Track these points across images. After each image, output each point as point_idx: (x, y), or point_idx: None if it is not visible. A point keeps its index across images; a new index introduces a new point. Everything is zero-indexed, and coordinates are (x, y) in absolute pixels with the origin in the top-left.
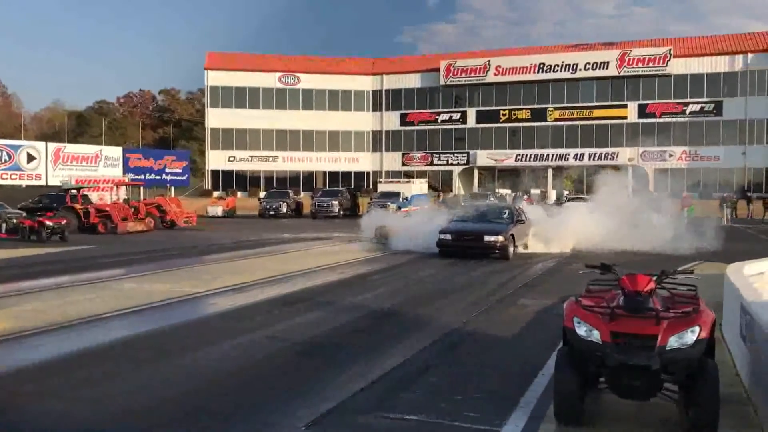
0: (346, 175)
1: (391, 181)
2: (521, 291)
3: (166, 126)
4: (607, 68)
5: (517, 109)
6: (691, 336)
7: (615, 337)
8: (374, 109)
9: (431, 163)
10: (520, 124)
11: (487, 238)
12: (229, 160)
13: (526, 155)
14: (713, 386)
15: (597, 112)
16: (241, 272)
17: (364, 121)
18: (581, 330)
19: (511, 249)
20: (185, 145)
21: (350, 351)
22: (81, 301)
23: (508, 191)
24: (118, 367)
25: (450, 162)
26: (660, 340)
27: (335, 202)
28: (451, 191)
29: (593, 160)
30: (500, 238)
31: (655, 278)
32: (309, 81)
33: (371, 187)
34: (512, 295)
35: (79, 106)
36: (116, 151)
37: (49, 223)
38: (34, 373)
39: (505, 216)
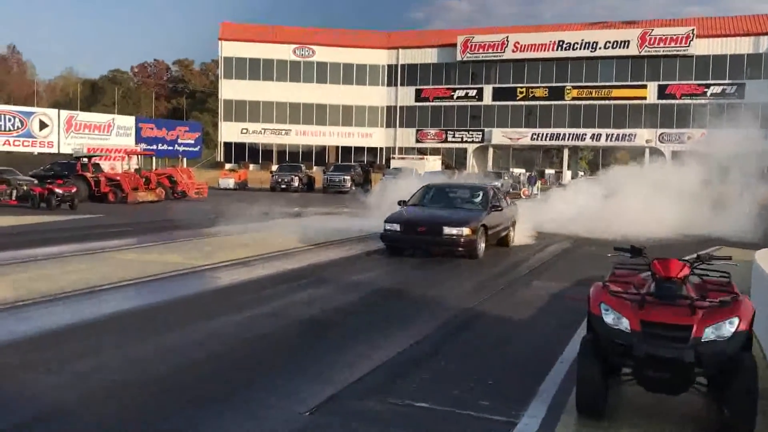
0: (359, 150)
1: (404, 158)
2: (534, 273)
3: (179, 97)
4: (627, 47)
5: (535, 87)
6: (728, 328)
7: (645, 327)
8: (389, 84)
9: (445, 140)
10: (537, 103)
11: (447, 230)
12: (242, 133)
13: (542, 134)
14: (751, 382)
15: (616, 92)
16: (246, 246)
17: (378, 95)
18: (608, 317)
19: (480, 245)
20: (198, 116)
21: (355, 331)
22: (79, 270)
23: (523, 170)
24: (110, 341)
25: (464, 139)
26: (695, 331)
27: (347, 177)
28: (465, 169)
29: (610, 140)
30: (465, 231)
31: (689, 263)
32: (324, 54)
33: (384, 162)
34: (525, 277)
35: (92, 75)
36: (129, 121)
37: (58, 190)
38: (23, 345)
39: (477, 200)
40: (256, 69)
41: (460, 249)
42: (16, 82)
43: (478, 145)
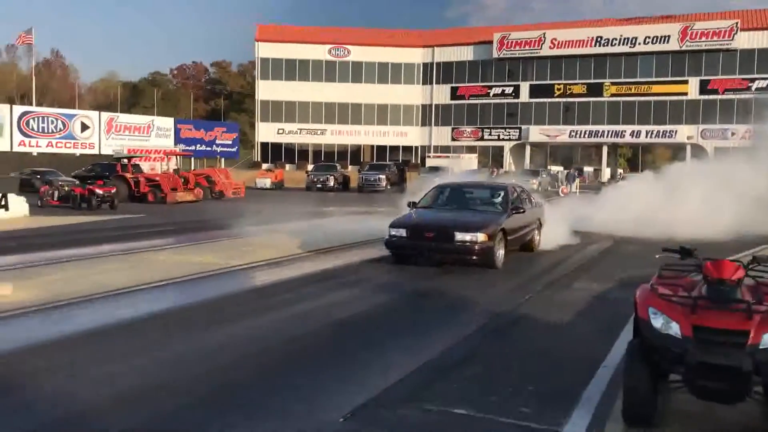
0: (394, 149)
1: (440, 156)
2: (575, 274)
3: (217, 98)
4: (667, 42)
5: (573, 84)
6: None
7: (698, 332)
8: (424, 82)
9: (482, 138)
10: (575, 99)
11: (459, 235)
12: (278, 133)
13: (581, 131)
14: None
15: (656, 88)
16: (281, 245)
17: (413, 94)
18: (657, 322)
19: (499, 252)
20: (236, 117)
21: (390, 333)
22: (114, 270)
23: (561, 168)
24: (140, 343)
25: (501, 137)
26: (752, 338)
27: (382, 177)
28: (502, 167)
29: (650, 137)
30: (480, 236)
31: (744, 265)
32: (359, 53)
33: (419, 161)
34: (565, 278)
35: (133, 78)
36: (168, 122)
37: (98, 191)
38: (49, 348)
39: (496, 201)
40: (291, 69)
41: (475, 257)
42: (60, 85)
43: (515, 142)
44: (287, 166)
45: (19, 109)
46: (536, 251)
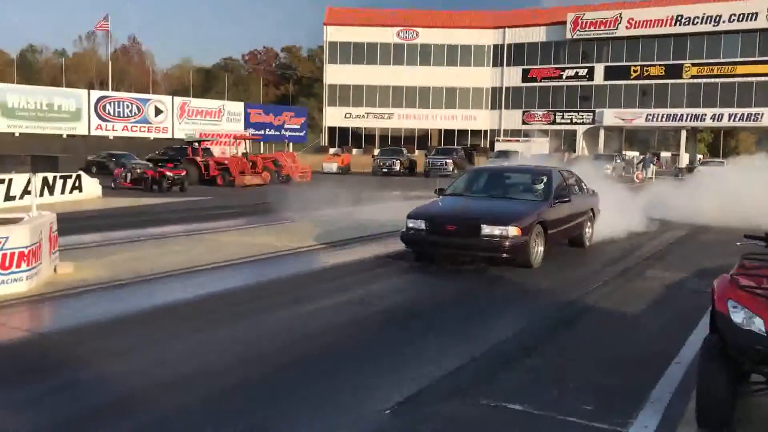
0: (463, 133)
1: (510, 140)
2: (647, 262)
3: (287, 83)
4: (755, 20)
5: (650, 65)
6: None
7: None
8: (495, 65)
9: (553, 122)
10: (653, 82)
11: (487, 229)
12: (345, 117)
13: (658, 115)
14: None
15: (741, 69)
16: (341, 229)
17: (483, 77)
18: (738, 316)
19: (536, 250)
20: (305, 102)
21: (443, 322)
22: (177, 252)
23: (636, 153)
24: (192, 325)
25: (574, 121)
26: None
27: (449, 161)
28: (574, 152)
29: (733, 121)
30: (512, 230)
31: None
32: (428, 36)
33: (488, 146)
34: (638, 267)
35: (206, 64)
36: (238, 107)
37: (169, 174)
38: (103, 327)
39: (538, 188)
40: (360, 53)
41: (505, 255)
42: (137, 71)
43: (588, 126)
44: (354, 151)
45: (96, 93)
46: (587, 246)
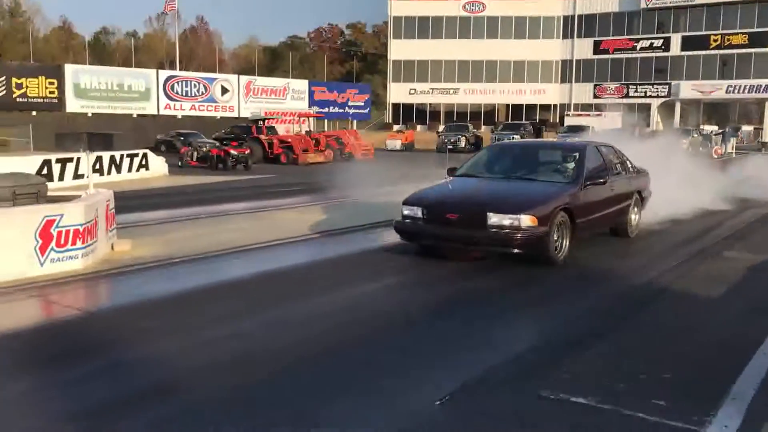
0: (531, 108)
1: (580, 114)
2: (726, 242)
3: (352, 61)
4: None
5: (732, 34)
6: None
7: None
8: (564, 37)
9: (626, 95)
10: (734, 51)
11: (494, 218)
12: (409, 93)
13: (740, 86)
14: None
15: None
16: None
17: (552, 49)
18: None
19: (559, 243)
20: (369, 79)
21: (500, 307)
22: (237, 229)
23: (715, 128)
24: (240, 305)
25: (648, 94)
26: None
27: (516, 136)
28: (649, 126)
29: None
30: (525, 219)
31: None
32: (494, 7)
33: (558, 120)
34: (715, 246)
35: (272, 42)
36: (303, 85)
37: (233, 152)
38: (158, 306)
39: (568, 166)
40: (425, 27)
41: (516, 249)
42: (205, 51)
43: (663, 99)
44: (418, 127)
45: (164, 73)
46: (632, 236)
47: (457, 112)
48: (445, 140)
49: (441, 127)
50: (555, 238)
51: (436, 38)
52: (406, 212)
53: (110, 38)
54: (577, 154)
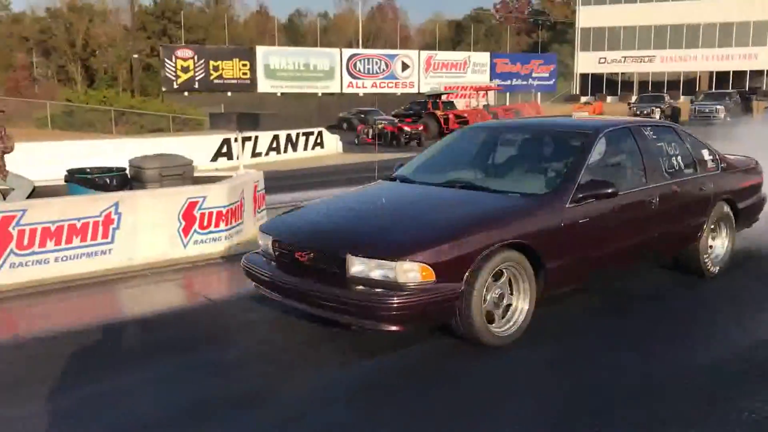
0: (739, 75)
1: None
2: None
3: (539, 31)
4: None
5: None
6: None
7: None
8: None
9: None
10: None
11: (357, 264)
12: (599, 62)
13: None
14: None
15: None
16: None
17: (765, 7)
18: None
19: (518, 307)
20: (557, 48)
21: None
22: None
23: None
24: None
25: None
26: None
27: (720, 107)
28: None
29: None
30: (407, 268)
31: None
32: None
33: None
34: None
35: (457, 16)
36: (484, 57)
37: (406, 129)
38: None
39: (556, 165)
40: None
41: (392, 326)
42: (391, 28)
43: None
44: (608, 99)
45: (347, 52)
46: (710, 276)
47: (653, 81)
48: (637, 112)
49: (633, 98)
50: (479, 301)
51: (630, 2)
52: (260, 242)
53: (303, 20)
54: (579, 144)
